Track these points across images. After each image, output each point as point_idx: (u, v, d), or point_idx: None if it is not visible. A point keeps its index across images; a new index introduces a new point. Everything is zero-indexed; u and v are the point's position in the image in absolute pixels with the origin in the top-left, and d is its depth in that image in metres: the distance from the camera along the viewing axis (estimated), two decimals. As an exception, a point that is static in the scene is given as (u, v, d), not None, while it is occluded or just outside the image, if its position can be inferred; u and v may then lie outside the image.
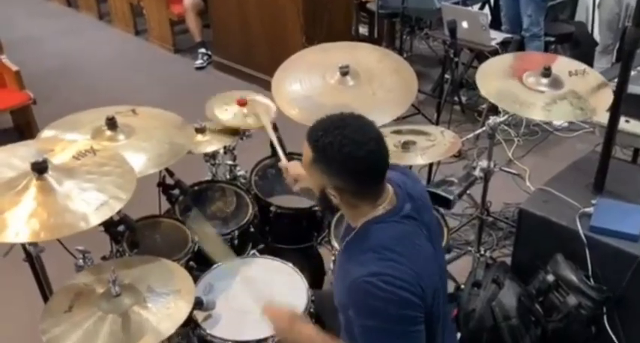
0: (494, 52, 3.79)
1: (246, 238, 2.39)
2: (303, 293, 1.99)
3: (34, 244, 1.86)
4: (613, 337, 2.24)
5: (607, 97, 2.33)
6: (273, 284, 2.04)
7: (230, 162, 2.69)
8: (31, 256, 1.93)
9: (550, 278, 2.28)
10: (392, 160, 2.24)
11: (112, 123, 2.10)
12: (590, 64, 4.04)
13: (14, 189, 1.72)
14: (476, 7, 4.74)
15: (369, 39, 5.05)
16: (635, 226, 2.21)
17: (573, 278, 2.23)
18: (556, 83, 2.39)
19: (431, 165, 3.14)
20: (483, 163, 2.61)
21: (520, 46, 4.18)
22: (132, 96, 4.27)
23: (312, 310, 1.94)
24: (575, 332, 2.24)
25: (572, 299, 2.22)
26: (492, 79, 2.46)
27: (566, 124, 4.10)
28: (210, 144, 2.51)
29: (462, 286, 2.46)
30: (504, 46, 4.05)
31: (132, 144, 2.08)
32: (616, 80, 2.27)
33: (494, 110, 3.11)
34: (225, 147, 2.61)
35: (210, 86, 4.82)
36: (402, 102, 2.34)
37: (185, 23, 5.40)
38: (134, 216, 2.11)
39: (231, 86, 4.64)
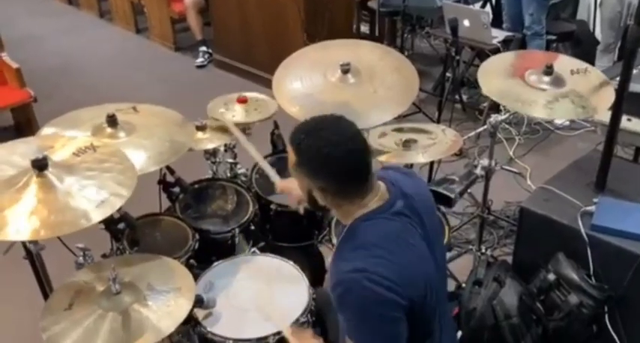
0: (496, 51, 3.78)
1: (246, 236, 2.38)
2: (304, 291, 1.99)
3: (34, 242, 1.85)
4: (614, 336, 2.23)
5: (609, 96, 2.32)
6: (274, 282, 2.04)
7: (231, 160, 2.68)
8: (32, 254, 1.92)
9: (551, 276, 2.27)
10: (393, 158, 2.28)
11: (112, 121, 2.10)
12: (592, 62, 4.04)
13: (14, 186, 1.71)
14: (477, 6, 4.73)
15: (370, 37, 5.04)
16: (637, 225, 2.20)
17: (575, 277, 2.23)
18: (558, 81, 2.39)
19: (432, 163, 3.14)
20: (484, 161, 2.61)
21: (521, 45, 4.17)
22: (132, 94, 4.25)
23: (312, 308, 1.94)
24: (577, 331, 2.24)
25: (573, 298, 2.21)
26: (494, 77, 2.45)
27: (567, 123, 4.10)
28: (211, 141, 2.51)
29: (463, 285, 2.46)
30: (506, 45, 4.04)
31: (132, 141, 2.08)
32: (618, 79, 2.27)
33: (495, 108, 3.11)
34: (225, 145, 2.61)
35: (210, 84, 4.83)
36: (404, 100, 2.33)
37: (186, 21, 5.39)
38: (134, 213, 2.11)
39: (231, 84, 4.67)
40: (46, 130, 2.14)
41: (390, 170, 1.67)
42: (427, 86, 4.50)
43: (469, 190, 2.73)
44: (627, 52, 2.23)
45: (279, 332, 1.85)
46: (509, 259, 2.66)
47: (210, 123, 2.55)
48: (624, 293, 2.20)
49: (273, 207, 2.41)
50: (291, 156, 1.53)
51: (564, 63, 2.50)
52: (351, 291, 1.45)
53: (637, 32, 2.11)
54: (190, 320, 1.85)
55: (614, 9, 4.19)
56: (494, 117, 2.52)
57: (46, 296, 2.00)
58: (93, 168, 1.81)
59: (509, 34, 4.19)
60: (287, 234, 2.50)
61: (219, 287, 2.02)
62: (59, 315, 1.69)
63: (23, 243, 1.89)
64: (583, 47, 4.43)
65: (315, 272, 2.51)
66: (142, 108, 2.27)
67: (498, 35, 4.09)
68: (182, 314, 1.70)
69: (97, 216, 1.68)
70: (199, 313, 1.89)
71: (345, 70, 2.30)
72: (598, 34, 4.57)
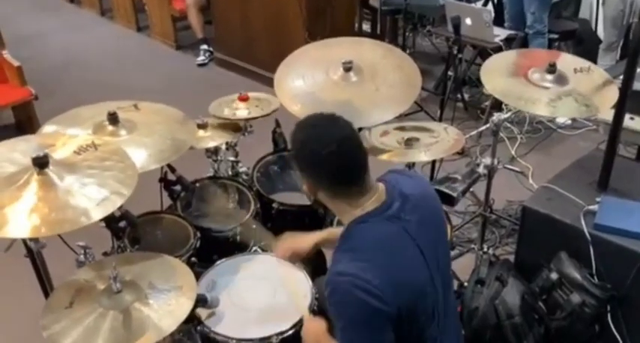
0: (498, 49, 3.77)
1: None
2: (307, 290, 1.98)
3: (35, 240, 1.84)
4: (617, 335, 2.23)
5: (612, 95, 2.32)
6: (276, 281, 2.03)
7: (232, 159, 2.68)
8: (32, 252, 1.91)
9: (554, 276, 2.26)
10: (395, 157, 2.27)
11: (113, 119, 2.09)
12: (594, 61, 4.02)
13: (15, 184, 1.71)
14: (479, 4, 4.72)
15: (372, 35, 5.04)
16: (640, 224, 2.20)
17: (577, 276, 2.22)
18: (561, 79, 2.38)
19: (434, 162, 3.13)
20: (487, 160, 2.60)
21: (524, 43, 4.16)
22: (134, 93, 4.23)
23: (315, 308, 1.93)
24: (579, 330, 2.23)
25: (575, 298, 2.20)
26: (497, 75, 2.45)
27: (569, 122, 4.09)
28: (212, 139, 2.50)
29: (466, 284, 2.45)
30: (508, 43, 4.03)
31: (133, 139, 2.07)
32: (620, 77, 2.26)
33: (497, 107, 3.10)
34: (227, 144, 2.60)
35: (211, 82, 4.82)
36: (406, 98, 2.32)
37: (187, 19, 5.39)
38: (135, 211, 2.10)
39: (232, 82, 4.66)
40: (47, 128, 2.14)
41: (392, 173, 1.67)
42: (429, 85, 4.48)
43: (471, 189, 2.72)
44: (631, 50, 2.22)
45: (281, 332, 1.84)
46: (512, 258, 2.66)
47: (212, 122, 2.54)
48: (627, 293, 2.19)
49: (274, 205, 2.41)
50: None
51: (567, 61, 2.50)
52: (335, 294, 1.46)
53: (641, 30, 2.11)
54: (193, 320, 1.84)
55: (617, 7, 4.18)
56: (496, 116, 2.51)
57: (46, 294, 1.99)
58: (94, 166, 1.81)
59: (512, 32, 4.18)
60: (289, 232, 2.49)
61: (222, 285, 2.01)
62: (60, 314, 1.68)
63: (24, 241, 1.88)
64: (585, 46, 4.42)
65: (316, 271, 2.50)
66: (143, 106, 2.26)
67: (500, 34, 4.08)
68: (183, 313, 1.69)
69: (98, 214, 1.68)
70: (202, 312, 1.88)
71: (347, 68, 2.29)
72: (600, 33, 4.56)
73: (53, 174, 1.72)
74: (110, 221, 2.00)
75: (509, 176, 3.59)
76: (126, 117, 2.14)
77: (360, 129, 2.16)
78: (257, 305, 1.96)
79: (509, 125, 3.94)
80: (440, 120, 3.78)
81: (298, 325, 1.88)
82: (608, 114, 2.40)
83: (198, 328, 1.88)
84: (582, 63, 2.50)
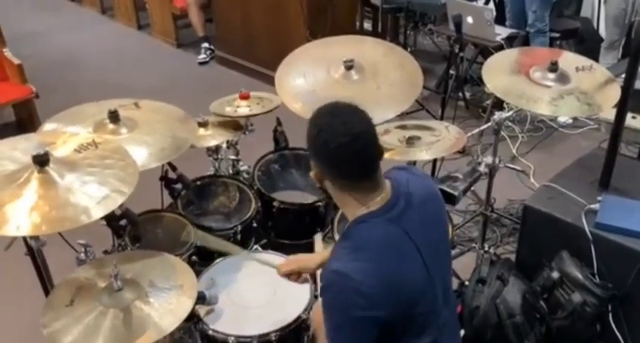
0: (499, 48, 3.76)
1: (248, 233, 2.38)
2: (306, 288, 1.98)
3: (35, 238, 1.84)
4: (618, 335, 2.22)
5: (614, 93, 2.31)
6: (276, 279, 2.02)
7: (233, 157, 2.68)
8: (33, 250, 1.91)
9: (555, 275, 2.26)
10: (396, 155, 2.26)
11: (114, 117, 2.09)
12: (596, 60, 4.01)
13: (16, 182, 1.71)
14: (481, 3, 4.72)
15: (373, 34, 5.03)
16: (642, 223, 2.19)
17: (578, 275, 2.22)
18: (563, 78, 2.37)
19: (435, 160, 3.13)
20: (488, 159, 2.59)
21: (525, 42, 4.16)
22: (134, 91, 4.25)
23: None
24: (580, 329, 2.23)
25: (577, 297, 2.20)
26: (498, 74, 2.45)
27: (570, 121, 4.08)
28: (213, 138, 2.50)
29: (466, 283, 2.45)
30: (509, 42, 4.03)
31: (134, 137, 2.07)
32: (622, 76, 2.25)
33: (498, 106, 3.09)
34: (228, 142, 2.60)
35: (212, 81, 4.82)
36: (407, 96, 2.32)
37: (188, 17, 5.38)
38: (136, 210, 2.10)
39: (233, 81, 4.66)
40: (48, 126, 2.14)
41: (398, 170, 1.65)
42: (430, 83, 4.48)
43: (472, 188, 2.71)
44: (633, 48, 2.22)
45: (280, 329, 1.85)
46: (513, 257, 2.65)
47: (213, 120, 2.54)
48: (628, 292, 2.19)
49: (275, 204, 2.41)
50: None
51: (569, 60, 2.49)
52: (327, 291, 1.46)
53: (643, 29, 2.10)
54: (192, 317, 1.84)
55: (619, 6, 4.16)
56: (498, 114, 2.50)
57: (47, 292, 1.99)
58: (94, 164, 1.80)
59: (513, 31, 4.18)
60: (289, 231, 2.49)
61: (221, 284, 2.01)
62: (60, 312, 1.68)
63: (24, 239, 1.89)
64: (587, 45, 4.41)
65: (317, 270, 2.50)
66: (143, 104, 2.26)
67: (502, 32, 4.07)
68: (184, 312, 1.69)
69: (99, 212, 1.67)
70: (201, 310, 1.89)
71: (349, 66, 2.29)
72: (602, 32, 4.55)
73: (54, 172, 1.72)
74: (111, 219, 2.00)
75: (510, 175, 3.59)
76: (127, 115, 2.14)
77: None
78: (256, 302, 1.96)
79: (510, 124, 3.93)
80: (441, 118, 3.78)
81: (297, 322, 1.88)
82: (609, 113, 2.39)
83: (198, 325, 1.88)
84: (584, 61, 2.49)
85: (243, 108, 2.53)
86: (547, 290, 2.29)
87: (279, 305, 1.95)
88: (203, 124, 2.49)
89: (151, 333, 1.62)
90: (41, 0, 6.77)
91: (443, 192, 2.31)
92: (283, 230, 2.49)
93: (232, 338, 1.84)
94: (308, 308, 1.92)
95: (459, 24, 3.58)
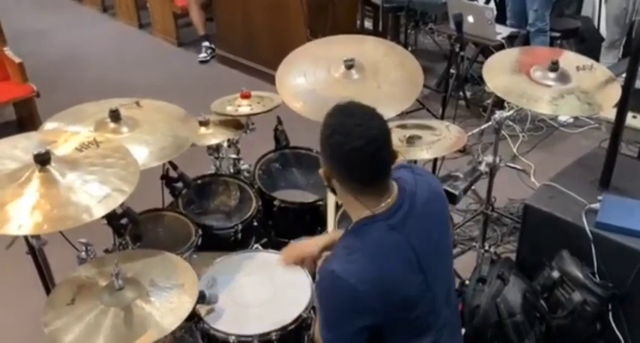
0: (500, 47, 3.76)
1: (249, 232, 2.38)
2: (306, 287, 1.98)
3: (36, 237, 1.85)
4: (618, 334, 2.22)
5: (614, 93, 2.31)
6: (277, 278, 2.03)
7: (234, 156, 2.68)
8: (34, 249, 1.92)
9: (555, 274, 2.26)
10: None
11: (115, 116, 2.09)
12: (597, 59, 4.01)
13: (17, 180, 1.71)
14: (481, 2, 4.71)
15: (374, 33, 5.03)
16: (642, 223, 2.19)
17: (579, 274, 2.22)
18: (563, 77, 2.37)
19: (435, 160, 3.13)
20: (489, 158, 2.59)
21: (526, 41, 4.16)
22: (135, 90, 4.26)
23: (315, 305, 1.93)
24: (580, 328, 2.23)
25: (577, 296, 2.20)
26: (499, 73, 2.45)
27: (571, 120, 4.08)
28: (214, 137, 2.50)
29: (467, 282, 2.45)
30: (510, 41, 4.03)
31: (135, 136, 2.07)
32: (623, 76, 2.25)
33: (499, 105, 3.09)
34: (229, 141, 2.61)
35: (213, 80, 4.82)
36: (408, 96, 2.32)
37: (188, 16, 5.38)
38: (137, 209, 2.10)
39: (234, 80, 4.66)
40: (49, 125, 2.14)
41: (404, 169, 1.63)
42: (431, 82, 4.48)
43: (473, 187, 2.72)
44: (634, 48, 2.22)
45: (281, 328, 1.85)
46: (513, 256, 2.65)
47: (214, 119, 2.54)
48: (628, 291, 2.19)
49: (276, 203, 2.41)
50: None
51: (570, 59, 2.49)
52: (320, 287, 1.48)
53: (643, 28, 2.10)
54: (193, 316, 1.84)
55: (620, 5, 4.17)
56: (499, 114, 2.50)
57: (48, 291, 2.00)
58: (96, 163, 1.80)
59: (514, 30, 4.18)
60: (290, 230, 2.48)
61: (222, 283, 2.01)
62: (61, 310, 1.68)
63: (26, 238, 1.89)
64: (587, 44, 4.41)
65: (317, 269, 2.50)
66: (144, 103, 2.26)
67: (502, 31, 4.08)
68: (185, 311, 1.68)
69: (100, 211, 1.67)
70: (202, 309, 1.88)
71: (349, 65, 2.29)
72: (603, 31, 4.55)
73: (55, 171, 1.72)
74: (112, 218, 1.99)
75: (510, 174, 3.59)
76: (128, 114, 2.14)
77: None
78: (256, 301, 1.96)
79: (511, 123, 3.94)
80: (442, 118, 3.78)
81: (297, 321, 1.88)
82: (610, 113, 2.39)
83: (198, 325, 1.88)
84: (585, 61, 2.49)
85: (244, 107, 2.53)
86: (547, 290, 2.29)
87: (280, 305, 1.95)
88: (204, 123, 2.49)
89: (152, 332, 1.62)
90: (42, -2, 6.79)
91: (443, 191, 2.32)
92: (284, 229, 2.49)
93: (233, 337, 1.84)
94: (308, 308, 1.92)
95: (459, 23, 3.58)
